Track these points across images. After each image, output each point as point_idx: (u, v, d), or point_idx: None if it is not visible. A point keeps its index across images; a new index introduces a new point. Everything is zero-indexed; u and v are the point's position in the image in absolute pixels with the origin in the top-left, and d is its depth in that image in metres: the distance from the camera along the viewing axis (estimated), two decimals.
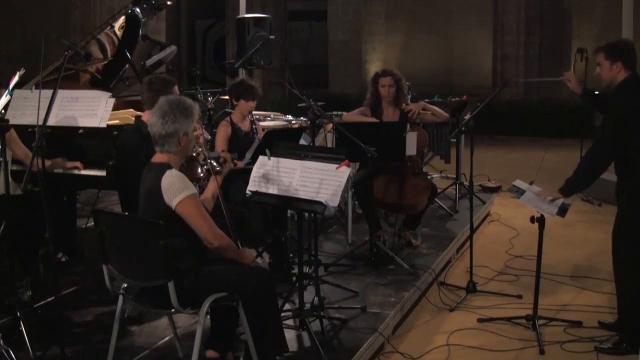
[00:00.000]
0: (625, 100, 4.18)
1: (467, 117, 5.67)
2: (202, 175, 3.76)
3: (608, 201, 7.75)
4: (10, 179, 4.55)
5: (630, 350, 4.18)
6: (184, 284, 3.36)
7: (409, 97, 6.35)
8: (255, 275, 3.51)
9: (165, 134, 3.43)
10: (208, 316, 3.69)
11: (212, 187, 3.84)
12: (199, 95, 6.26)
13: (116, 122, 5.21)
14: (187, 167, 3.64)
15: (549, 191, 4.37)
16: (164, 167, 3.44)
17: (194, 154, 3.73)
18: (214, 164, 3.83)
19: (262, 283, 3.48)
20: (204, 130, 4.27)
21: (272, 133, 5.43)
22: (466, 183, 7.07)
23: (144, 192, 3.51)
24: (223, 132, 5.44)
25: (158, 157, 3.52)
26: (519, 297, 5.10)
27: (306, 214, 4.73)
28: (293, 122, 6.73)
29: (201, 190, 4.00)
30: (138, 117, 4.64)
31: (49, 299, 4.36)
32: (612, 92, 4.29)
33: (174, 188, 3.37)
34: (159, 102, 3.52)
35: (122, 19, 5.80)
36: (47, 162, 4.14)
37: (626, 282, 4.24)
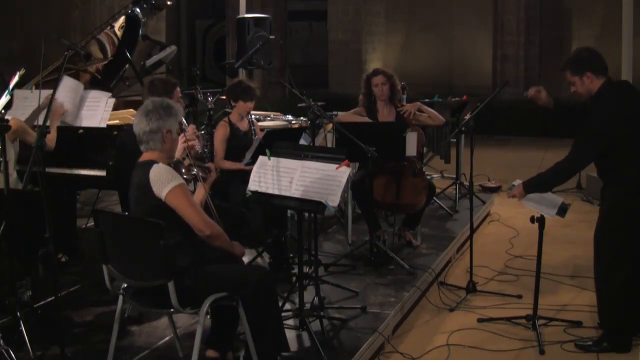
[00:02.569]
0: (603, 113, 4.05)
1: (467, 117, 5.66)
2: (185, 177, 3.78)
3: None
4: (15, 174, 4.55)
5: (611, 349, 4.20)
6: (184, 283, 3.36)
7: (404, 97, 6.36)
8: (255, 275, 3.51)
9: (149, 130, 3.49)
10: (208, 316, 3.69)
11: (201, 192, 3.87)
12: (199, 95, 6.25)
13: (116, 122, 5.21)
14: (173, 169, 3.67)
15: (515, 190, 4.36)
16: (151, 162, 3.48)
17: (181, 159, 3.78)
18: (199, 172, 3.86)
19: (262, 283, 3.48)
20: (199, 138, 4.29)
21: (272, 133, 5.42)
22: (466, 183, 7.07)
23: (133, 191, 3.54)
24: (222, 132, 5.44)
25: (144, 156, 3.57)
26: (519, 297, 5.10)
27: (306, 214, 4.73)
28: (293, 122, 6.72)
29: None
30: None
31: (49, 299, 4.36)
32: (589, 104, 4.14)
33: (162, 179, 3.40)
34: (145, 103, 3.61)
35: (122, 19, 5.80)
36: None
37: (605, 281, 4.25)
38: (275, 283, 3.68)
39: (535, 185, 4.32)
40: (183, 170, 3.77)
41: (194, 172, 3.81)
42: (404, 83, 6.43)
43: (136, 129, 3.53)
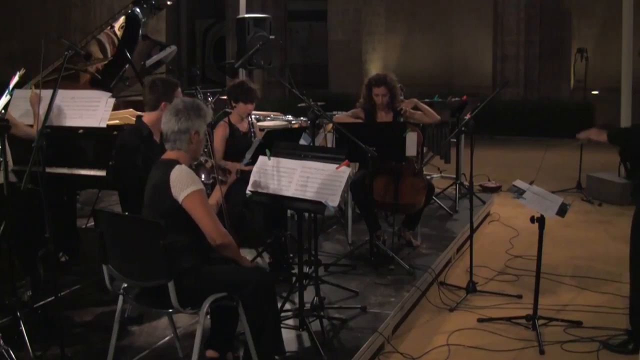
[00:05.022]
0: None
1: (467, 117, 5.67)
2: (206, 182, 3.78)
3: (608, 201, 7.76)
4: (11, 171, 4.54)
5: (636, 351, 4.17)
6: (184, 284, 3.36)
7: (401, 98, 6.36)
8: (255, 275, 3.51)
9: (177, 130, 3.50)
10: (208, 316, 3.69)
11: (217, 195, 3.86)
12: (199, 95, 6.25)
13: (116, 122, 5.21)
14: (194, 172, 3.67)
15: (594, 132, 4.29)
16: (173, 162, 3.47)
17: (203, 161, 3.76)
18: (219, 174, 3.85)
19: (262, 283, 3.48)
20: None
21: (272, 133, 5.43)
22: (466, 183, 7.07)
23: (150, 187, 3.52)
24: (221, 132, 5.43)
25: (168, 154, 3.56)
26: (519, 297, 5.10)
27: (306, 214, 4.73)
28: (293, 122, 6.73)
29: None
30: (139, 117, 4.64)
31: (49, 299, 4.35)
32: None
33: (183, 182, 3.40)
34: (174, 102, 3.63)
35: (122, 19, 5.80)
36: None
37: (637, 281, 4.18)
38: (275, 283, 3.67)
39: (620, 138, 4.25)
40: (203, 175, 3.77)
41: (214, 175, 3.80)
42: (400, 85, 6.44)
43: (164, 127, 3.54)
